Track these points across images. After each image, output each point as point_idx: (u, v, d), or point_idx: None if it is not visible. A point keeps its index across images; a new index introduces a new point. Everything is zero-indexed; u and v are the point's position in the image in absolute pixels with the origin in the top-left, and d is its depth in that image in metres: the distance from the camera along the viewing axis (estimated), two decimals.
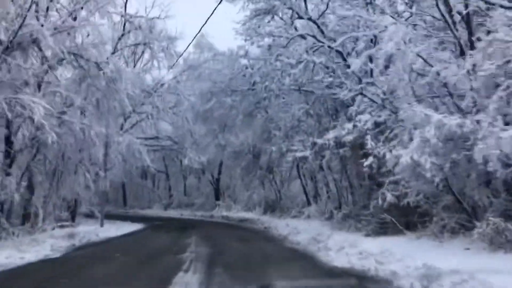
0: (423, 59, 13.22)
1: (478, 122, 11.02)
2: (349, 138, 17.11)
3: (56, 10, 18.49)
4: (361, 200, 19.87)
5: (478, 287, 7.48)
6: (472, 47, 13.14)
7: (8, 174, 16.90)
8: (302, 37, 20.83)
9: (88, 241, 17.63)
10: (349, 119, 17.67)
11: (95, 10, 18.24)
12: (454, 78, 12.51)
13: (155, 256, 13.35)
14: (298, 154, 20.87)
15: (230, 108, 28.85)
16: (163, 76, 32.26)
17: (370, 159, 14.63)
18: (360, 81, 18.09)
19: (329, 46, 19.50)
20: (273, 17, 21.68)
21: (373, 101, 16.18)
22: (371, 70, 18.15)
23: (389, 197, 14.67)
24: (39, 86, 17.85)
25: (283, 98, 25.42)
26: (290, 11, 21.27)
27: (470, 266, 8.44)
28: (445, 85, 13.08)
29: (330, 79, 19.42)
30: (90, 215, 25.83)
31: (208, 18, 15.82)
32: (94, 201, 26.72)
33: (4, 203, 17.12)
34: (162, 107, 32.04)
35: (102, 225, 23.68)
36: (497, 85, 11.68)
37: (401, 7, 17.68)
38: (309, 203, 27.78)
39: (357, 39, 19.94)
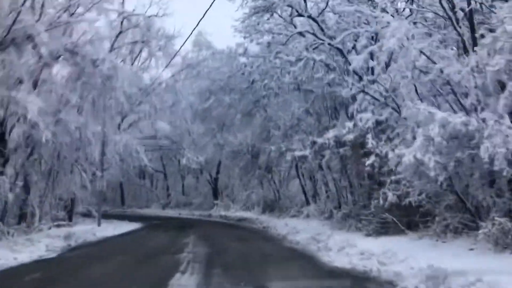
0: (426, 56, 12.97)
1: (483, 120, 10.76)
2: (350, 137, 16.89)
3: (54, 7, 18.18)
4: (361, 199, 19.67)
5: None
6: (474, 44, 12.94)
7: (1, 174, 16.60)
8: (301, 34, 20.60)
9: (85, 241, 17.36)
10: (350, 118, 17.44)
11: (91, 7, 17.88)
12: (457, 76, 12.24)
13: (152, 256, 13.09)
14: (298, 153, 20.60)
15: (229, 106, 28.56)
16: (161, 74, 31.99)
17: (372, 157, 14.39)
18: (360, 79, 17.85)
19: (329, 44, 19.26)
20: (272, 15, 21.44)
21: (375, 99, 15.90)
22: (372, 69, 17.94)
23: (391, 196, 14.44)
24: (34, 84, 17.55)
25: (283, 96, 25.13)
26: (290, 9, 21.03)
27: (476, 267, 8.22)
28: (448, 82, 12.84)
29: (332, 75, 19.14)
30: (87, 215, 25.59)
31: (206, 11, 15.56)
32: (92, 200, 26.52)
33: None
34: (160, 106, 31.77)
35: (99, 224, 23.45)
36: (502, 83, 11.50)
37: (401, 4, 17.51)
38: (308, 203, 27.64)
39: (358, 36, 19.73)
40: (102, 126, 20.68)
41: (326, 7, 20.47)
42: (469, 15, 13.48)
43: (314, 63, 19.68)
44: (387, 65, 16.69)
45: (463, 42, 13.54)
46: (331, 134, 17.70)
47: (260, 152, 30.40)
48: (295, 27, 21.20)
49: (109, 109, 21.08)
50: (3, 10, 14.84)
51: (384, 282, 8.93)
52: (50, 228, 19.10)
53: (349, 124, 17.06)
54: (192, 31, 20.63)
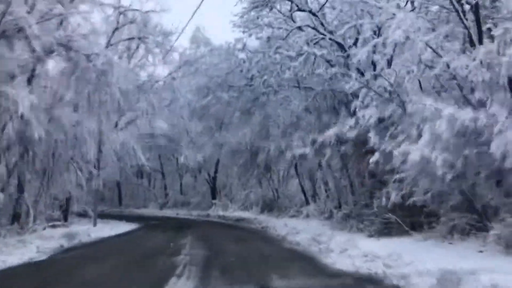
0: (432, 49, 12.52)
1: (493, 115, 10.29)
2: (352, 134, 16.47)
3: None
4: (362, 199, 19.28)
5: None
6: (480, 38, 12.53)
7: None
8: (300, 29, 20.17)
9: (79, 241, 16.83)
10: (353, 114, 16.99)
11: None
12: (465, 70, 11.78)
13: (148, 258, 12.59)
14: (298, 151, 20.20)
15: (227, 104, 28.05)
16: (158, 72, 31.62)
17: (376, 155, 13.94)
18: (362, 76, 17.42)
19: (330, 39, 18.84)
20: (271, 9, 21.00)
21: (379, 95, 15.40)
22: (375, 64, 17.52)
23: (394, 196, 14.03)
24: (27, 79, 17.08)
25: (282, 93, 24.66)
26: (290, 3, 20.61)
27: (489, 270, 7.74)
28: (454, 77, 12.39)
29: (334, 69, 18.67)
30: (84, 215, 25.09)
31: (200, 4, 15.07)
32: (88, 200, 26.09)
33: None
34: (157, 104, 31.34)
35: (95, 224, 23.04)
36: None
37: None
38: (307, 203, 27.42)
39: (359, 33, 19.30)
40: (97, 123, 20.18)
41: (326, 2, 20.10)
42: (475, 9, 13.12)
43: (315, 58, 19.23)
44: (390, 61, 16.27)
45: (470, 35, 13.12)
46: (332, 131, 17.31)
47: (259, 151, 30.02)
48: (294, 21, 20.79)
49: (105, 106, 20.55)
50: None
51: (391, 286, 8.43)
52: (45, 228, 18.70)
53: (351, 121, 16.65)
54: (187, 24, 20.25)
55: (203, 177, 41.26)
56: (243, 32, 21.71)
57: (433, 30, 13.88)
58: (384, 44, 14.66)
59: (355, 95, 18.24)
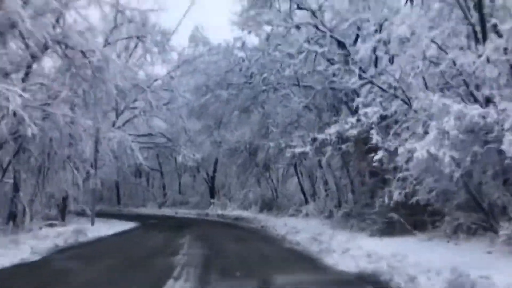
0: (437, 45, 12.18)
1: (503, 111, 9.96)
2: (353, 132, 16.10)
3: None
4: (363, 198, 19.00)
5: None
6: (484, 34, 12.22)
7: None
8: (297, 27, 19.84)
9: (75, 241, 16.46)
10: (354, 112, 16.66)
11: None
12: (471, 67, 11.46)
13: (145, 259, 12.25)
14: (298, 150, 19.79)
15: (226, 102, 27.71)
16: (157, 71, 31.36)
17: (380, 153, 13.60)
18: (364, 73, 17.10)
19: (331, 36, 18.48)
20: (270, 7, 20.67)
21: (384, 91, 15.04)
22: (376, 62, 17.20)
23: (396, 194, 13.70)
24: (22, 77, 16.72)
25: (282, 91, 24.31)
26: (289, 1, 20.25)
27: (504, 273, 7.39)
28: (460, 73, 12.07)
29: (336, 66, 18.33)
30: (81, 214, 24.78)
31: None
32: (86, 199, 25.82)
33: None
34: (155, 103, 30.93)
35: (92, 224, 22.70)
36: None
37: None
38: (306, 202, 27.20)
39: (359, 28, 18.98)
40: (93, 121, 19.80)
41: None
42: (479, 5, 12.84)
43: (315, 56, 18.89)
44: (392, 57, 15.95)
45: (475, 31, 12.81)
46: (333, 129, 16.91)
47: (258, 150, 29.79)
48: (292, 19, 20.45)
49: (101, 103, 20.17)
50: None
51: None
52: (41, 228, 18.36)
53: (352, 119, 16.31)
54: (180, 20, 19.97)
55: (202, 176, 41.11)
56: (242, 29, 21.42)
57: (432, 27, 13.59)
58: (385, 42, 14.31)
59: (356, 93, 17.95)
